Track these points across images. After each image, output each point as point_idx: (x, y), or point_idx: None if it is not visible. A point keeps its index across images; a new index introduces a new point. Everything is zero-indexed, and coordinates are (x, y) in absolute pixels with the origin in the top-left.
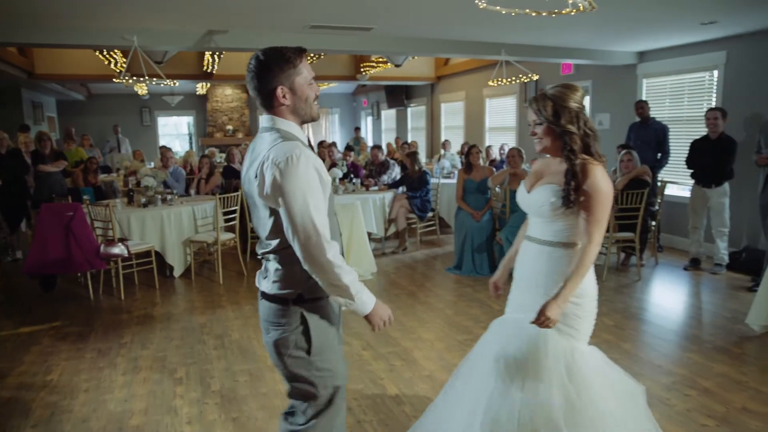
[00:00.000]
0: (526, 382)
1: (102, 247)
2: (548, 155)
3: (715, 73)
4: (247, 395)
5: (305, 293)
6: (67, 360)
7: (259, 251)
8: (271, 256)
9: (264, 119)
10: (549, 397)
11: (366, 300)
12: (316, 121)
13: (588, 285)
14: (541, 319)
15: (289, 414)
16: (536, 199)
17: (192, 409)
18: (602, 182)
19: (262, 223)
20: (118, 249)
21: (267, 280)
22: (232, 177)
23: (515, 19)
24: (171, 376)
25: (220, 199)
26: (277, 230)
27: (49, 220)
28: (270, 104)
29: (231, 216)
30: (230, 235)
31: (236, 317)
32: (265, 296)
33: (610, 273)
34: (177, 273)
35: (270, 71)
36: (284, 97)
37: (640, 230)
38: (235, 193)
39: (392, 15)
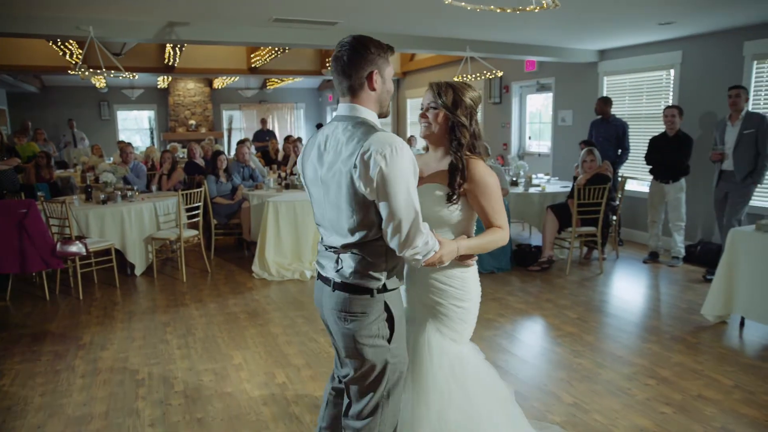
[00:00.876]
0: (412, 383)
1: (58, 246)
2: (429, 145)
3: (672, 72)
4: (212, 395)
5: (389, 283)
6: (20, 363)
7: (333, 243)
8: (354, 249)
9: (345, 107)
10: (430, 400)
11: (434, 242)
12: (386, 117)
13: (472, 287)
14: (435, 257)
15: (346, 412)
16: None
17: (155, 410)
18: (487, 175)
19: (343, 217)
20: (76, 247)
21: (343, 270)
22: (194, 173)
23: (480, 16)
24: (132, 377)
25: (182, 195)
26: (364, 225)
27: (0, 218)
28: (359, 89)
29: (194, 213)
30: (193, 232)
31: (200, 315)
32: (344, 286)
33: (573, 267)
34: (138, 271)
35: (369, 52)
36: (376, 82)
37: (602, 225)
38: (198, 189)
39: (357, 10)
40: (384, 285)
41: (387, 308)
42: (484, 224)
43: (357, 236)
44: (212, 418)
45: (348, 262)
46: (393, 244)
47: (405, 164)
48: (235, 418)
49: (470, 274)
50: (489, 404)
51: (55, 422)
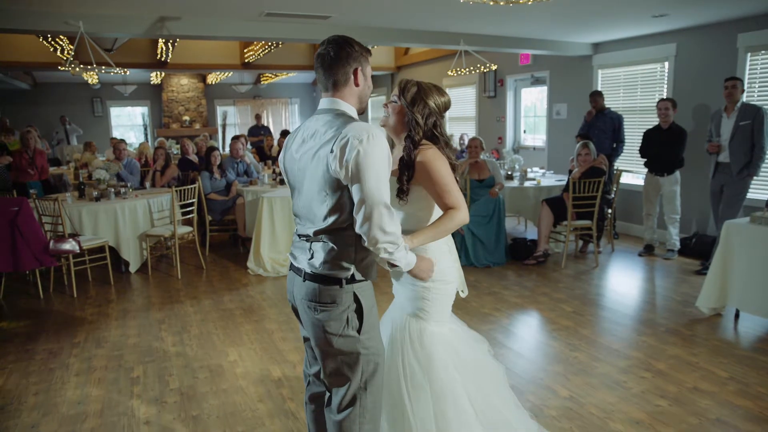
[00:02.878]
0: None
1: (51, 243)
2: (394, 140)
3: (666, 64)
4: (208, 392)
5: (357, 274)
6: (14, 362)
7: (306, 231)
8: (324, 237)
9: (327, 101)
10: (393, 369)
11: (410, 260)
12: (362, 113)
13: (444, 268)
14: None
15: (329, 404)
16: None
17: (150, 408)
18: (432, 159)
19: (316, 202)
20: (69, 245)
21: (314, 260)
22: (188, 169)
23: (474, 9)
24: (127, 375)
25: (176, 191)
26: (336, 209)
27: None
28: (343, 84)
29: (188, 209)
30: (188, 229)
31: (195, 312)
32: (314, 277)
33: (569, 260)
34: (133, 268)
35: (353, 49)
36: (360, 78)
37: (597, 218)
38: (192, 186)
39: (350, 3)
40: (352, 275)
41: (356, 299)
42: (440, 207)
43: (328, 221)
44: (208, 416)
45: (318, 252)
46: (362, 230)
47: (379, 152)
48: (231, 415)
49: (442, 255)
50: (455, 381)
51: (49, 421)
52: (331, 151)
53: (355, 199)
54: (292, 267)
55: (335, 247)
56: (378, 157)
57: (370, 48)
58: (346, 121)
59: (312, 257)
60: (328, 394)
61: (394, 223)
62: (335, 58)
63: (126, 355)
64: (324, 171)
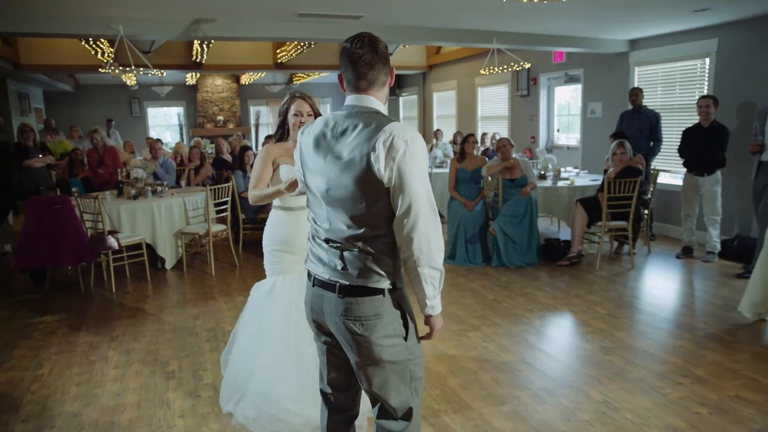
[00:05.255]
0: None
1: (93, 240)
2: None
3: (707, 60)
4: None
5: (397, 282)
6: (58, 354)
7: (337, 237)
8: (361, 243)
9: (357, 98)
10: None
11: (440, 299)
12: None
13: (270, 230)
14: None
15: (384, 416)
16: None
17: (185, 402)
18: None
19: (350, 206)
20: (109, 242)
21: (349, 271)
22: (222, 168)
23: (507, 7)
24: (163, 369)
25: (210, 190)
26: (374, 214)
27: (36, 213)
28: (381, 84)
29: (222, 207)
30: (222, 227)
31: (229, 309)
32: (352, 290)
33: (603, 262)
34: (168, 265)
35: (386, 50)
36: (393, 77)
37: (633, 219)
38: (225, 184)
39: (382, 2)
40: (394, 284)
41: (399, 306)
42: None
43: (365, 227)
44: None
45: (353, 261)
46: (404, 235)
47: (424, 154)
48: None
49: (271, 220)
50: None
51: (90, 411)
52: (373, 149)
53: (400, 204)
54: (316, 282)
55: (373, 254)
56: (423, 161)
57: (402, 47)
58: (384, 119)
59: (345, 267)
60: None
61: (440, 236)
62: (377, 58)
63: (162, 349)
64: (361, 172)
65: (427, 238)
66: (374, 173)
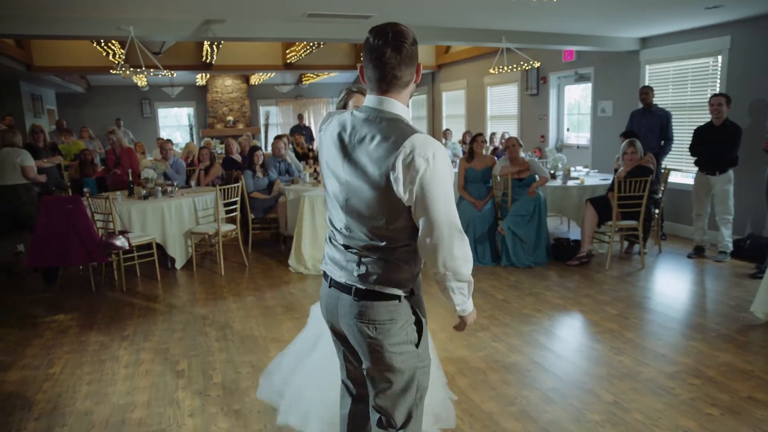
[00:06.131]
0: None
1: (103, 240)
2: None
3: (720, 58)
4: (249, 387)
5: (415, 288)
6: (69, 353)
7: (355, 245)
8: (379, 253)
9: (377, 101)
10: None
11: (471, 300)
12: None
13: None
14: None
15: (385, 425)
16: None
17: (194, 401)
18: None
19: (369, 218)
20: (119, 241)
21: (367, 276)
22: (232, 168)
23: (516, 5)
24: (173, 368)
25: (220, 190)
26: (394, 228)
27: (49, 212)
28: (405, 84)
29: (232, 207)
30: (231, 227)
31: (238, 308)
32: (368, 293)
33: (614, 261)
34: (178, 265)
35: (416, 46)
36: (419, 74)
37: (644, 218)
38: (235, 184)
39: (392, 2)
40: (411, 290)
41: (414, 312)
42: None
43: (384, 240)
44: (249, 410)
45: (372, 267)
46: (428, 253)
47: (446, 171)
48: (272, 410)
49: None
50: None
51: (101, 409)
52: (393, 170)
53: (422, 224)
54: (333, 283)
55: (392, 263)
56: (446, 177)
57: None
58: (405, 131)
59: (364, 272)
60: (377, 414)
61: (466, 245)
62: (400, 58)
63: (172, 348)
64: (381, 191)
65: (452, 254)
66: (394, 193)
